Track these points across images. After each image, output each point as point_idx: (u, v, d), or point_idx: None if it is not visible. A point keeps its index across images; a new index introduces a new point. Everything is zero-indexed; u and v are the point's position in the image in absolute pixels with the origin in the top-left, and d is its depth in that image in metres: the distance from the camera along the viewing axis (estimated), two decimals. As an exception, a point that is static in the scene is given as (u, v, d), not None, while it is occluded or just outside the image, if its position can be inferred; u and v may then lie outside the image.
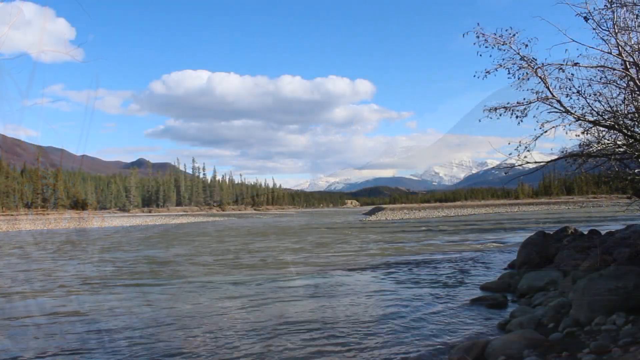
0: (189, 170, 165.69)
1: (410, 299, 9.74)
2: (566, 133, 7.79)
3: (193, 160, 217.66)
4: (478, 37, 7.15)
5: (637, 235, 11.06)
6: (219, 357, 6.35)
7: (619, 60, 6.91)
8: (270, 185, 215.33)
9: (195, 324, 8.15)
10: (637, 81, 6.77)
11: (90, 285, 12.61)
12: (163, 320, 8.47)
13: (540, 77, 7.12)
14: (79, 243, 29.22)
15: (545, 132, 7.41)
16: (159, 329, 7.90)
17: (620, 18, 6.68)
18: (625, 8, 6.65)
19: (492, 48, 7.16)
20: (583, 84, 7.27)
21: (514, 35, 7.06)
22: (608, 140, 8.50)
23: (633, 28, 6.78)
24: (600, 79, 7.52)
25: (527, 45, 7.03)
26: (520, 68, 7.12)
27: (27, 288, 12.41)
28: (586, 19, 6.67)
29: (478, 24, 7.14)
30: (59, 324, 8.43)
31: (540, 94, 7.23)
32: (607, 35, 6.76)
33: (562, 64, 6.89)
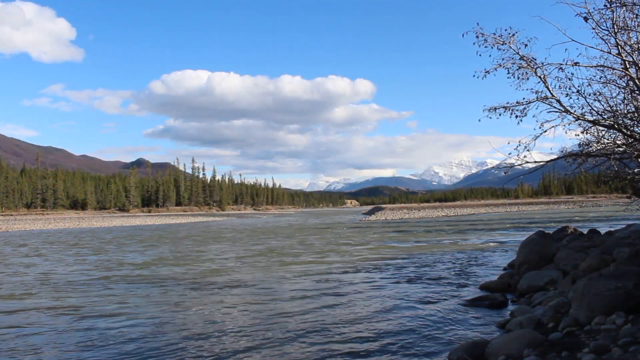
0: (189, 170, 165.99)
1: (410, 298, 9.74)
2: (566, 133, 7.80)
3: (193, 160, 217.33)
4: (477, 37, 7.13)
5: (637, 235, 11.06)
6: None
7: (619, 60, 6.91)
8: (270, 185, 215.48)
9: (194, 327, 8.14)
10: (636, 81, 6.77)
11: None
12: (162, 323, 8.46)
13: (539, 77, 7.11)
14: None
15: (545, 131, 7.40)
16: (156, 331, 7.90)
17: (619, 18, 6.67)
18: (624, 8, 6.64)
19: (492, 48, 7.14)
20: (583, 83, 7.26)
21: (513, 35, 7.05)
22: (607, 139, 8.51)
23: (632, 27, 6.78)
24: (600, 78, 7.53)
25: (526, 45, 7.02)
26: (519, 68, 7.11)
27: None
28: (586, 18, 6.66)
29: (477, 23, 7.13)
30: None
31: (539, 93, 7.22)
32: (607, 34, 6.75)
33: (561, 64, 6.88)
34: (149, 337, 7.31)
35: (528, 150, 7.45)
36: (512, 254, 15.60)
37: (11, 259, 20.10)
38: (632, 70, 6.80)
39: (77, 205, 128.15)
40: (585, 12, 6.65)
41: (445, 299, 9.55)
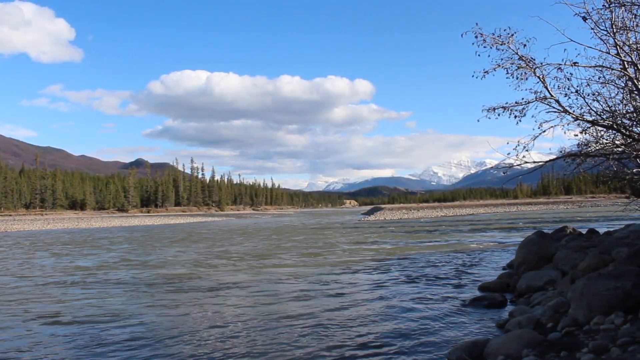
0: (188, 171, 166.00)
1: (408, 298, 9.74)
2: (565, 133, 7.81)
3: (192, 161, 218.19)
4: (476, 37, 7.13)
5: (636, 235, 11.06)
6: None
7: (617, 60, 6.91)
8: (269, 185, 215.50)
9: (195, 328, 8.13)
10: (635, 81, 6.77)
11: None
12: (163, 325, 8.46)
13: (538, 77, 7.12)
14: None
15: (544, 131, 7.40)
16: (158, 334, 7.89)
17: (618, 18, 6.68)
18: (623, 8, 6.65)
19: (491, 48, 7.15)
20: (581, 83, 7.27)
21: (512, 35, 7.06)
22: (606, 139, 8.51)
23: (631, 28, 6.78)
24: (599, 78, 7.54)
25: (525, 45, 7.03)
26: (518, 68, 7.12)
27: None
28: (584, 18, 6.67)
29: (477, 23, 7.12)
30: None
31: (538, 93, 7.22)
32: (606, 35, 6.76)
33: (560, 64, 6.88)
34: (140, 341, 7.30)
35: (527, 150, 7.46)
36: (511, 254, 15.60)
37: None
38: (630, 71, 6.81)
39: (76, 205, 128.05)
40: (584, 12, 6.66)
41: (444, 299, 9.54)
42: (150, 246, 25.51)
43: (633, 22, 6.79)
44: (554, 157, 8.15)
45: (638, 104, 7.55)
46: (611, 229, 15.90)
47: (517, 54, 7.06)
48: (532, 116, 7.41)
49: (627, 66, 6.80)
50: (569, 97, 7.25)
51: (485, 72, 7.28)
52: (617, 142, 8.25)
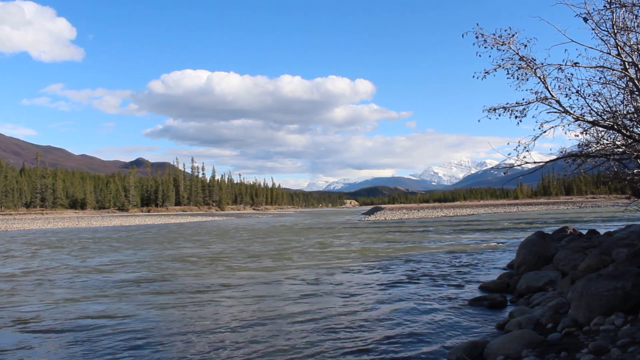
0: (188, 170, 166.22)
1: (409, 298, 9.74)
2: (565, 133, 7.82)
3: (192, 160, 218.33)
4: (477, 37, 7.12)
5: (636, 235, 11.05)
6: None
7: (618, 61, 6.91)
8: (270, 185, 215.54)
9: (195, 329, 8.14)
10: (636, 81, 6.77)
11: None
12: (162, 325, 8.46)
13: (539, 77, 7.11)
14: None
15: (545, 132, 7.40)
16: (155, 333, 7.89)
17: (619, 18, 6.67)
18: (624, 8, 6.64)
19: (491, 48, 7.14)
20: (582, 84, 7.27)
21: (513, 35, 7.05)
22: (607, 140, 8.51)
23: (632, 28, 6.78)
24: (600, 79, 7.55)
25: (526, 46, 7.02)
26: (519, 68, 7.11)
27: None
28: (585, 19, 6.66)
29: (477, 24, 7.12)
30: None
31: (539, 94, 7.22)
32: (606, 35, 6.75)
33: (561, 64, 6.88)
34: (132, 343, 7.31)
35: (527, 150, 7.45)
36: (511, 255, 15.60)
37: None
38: (631, 71, 6.80)
39: (77, 204, 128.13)
40: (584, 13, 6.66)
41: (444, 299, 9.55)
42: (150, 245, 25.52)
43: (634, 22, 6.78)
44: (555, 157, 8.14)
45: (639, 104, 7.55)
46: (611, 230, 15.90)
47: (517, 54, 7.05)
48: (533, 116, 7.41)
49: (628, 67, 6.79)
50: (570, 98, 7.26)
51: (486, 73, 7.27)
52: (617, 143, 8.25)
